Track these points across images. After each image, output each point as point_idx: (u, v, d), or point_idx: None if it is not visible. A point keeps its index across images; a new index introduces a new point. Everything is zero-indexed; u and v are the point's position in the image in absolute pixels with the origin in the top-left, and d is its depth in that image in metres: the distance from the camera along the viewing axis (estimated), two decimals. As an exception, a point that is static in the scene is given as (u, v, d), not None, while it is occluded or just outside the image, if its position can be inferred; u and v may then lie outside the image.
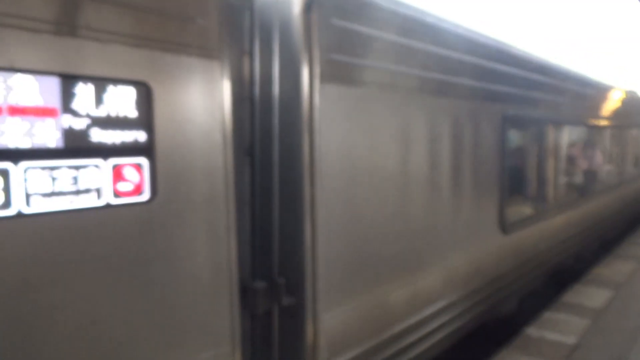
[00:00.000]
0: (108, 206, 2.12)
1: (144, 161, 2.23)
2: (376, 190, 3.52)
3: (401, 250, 3.80)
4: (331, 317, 3.18)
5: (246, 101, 2.94)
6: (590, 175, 8.57)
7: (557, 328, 5.31)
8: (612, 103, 9.73)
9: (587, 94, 8.48)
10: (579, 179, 8.23)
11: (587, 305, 6.07)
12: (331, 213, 3.14)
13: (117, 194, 2.15)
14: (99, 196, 2.09)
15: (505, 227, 5.31)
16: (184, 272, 2.40)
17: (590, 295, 6.48)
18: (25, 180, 1.88)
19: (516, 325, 6.02)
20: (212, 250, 2.53)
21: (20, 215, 1.86)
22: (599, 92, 9.13)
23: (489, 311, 5.19)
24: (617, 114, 10.14)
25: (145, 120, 2.23)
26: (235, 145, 2.70)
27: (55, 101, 1.96)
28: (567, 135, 7.76)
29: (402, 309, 3.85)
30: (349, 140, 3.28)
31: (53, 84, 1.95)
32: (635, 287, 6.78)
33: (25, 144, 1.88)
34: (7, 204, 1.83)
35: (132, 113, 2.19)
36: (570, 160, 7.78)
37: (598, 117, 9.11)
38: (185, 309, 2.42)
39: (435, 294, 4.23)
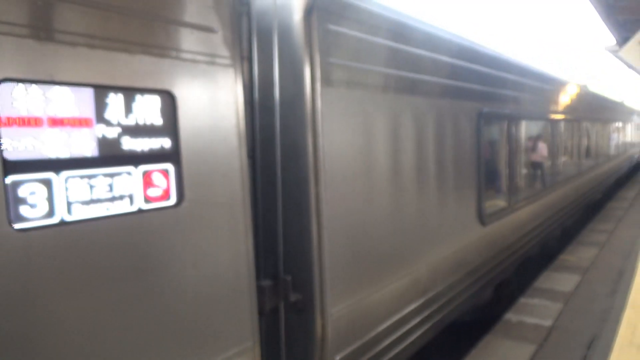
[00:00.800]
0: (140, 211, 2.19)
1: (170, 167, 2.31)
2: (373, 187, 3.69)
3: (398, 244, 3.99)
4: (337, 311, 3.33)
5: (247, 105, 3.03)
6: (554, 167, 9.06)
7: (534, 312, 5.66)
8: (571, 98, 10.30)
9: (552, 90, 8.96)
10: (544, 170, 8.69)
11: (558, 289, 6.48)
12: (334, 210, 3.27)
13: (147, 199, 2.22)
14: (131, 202, 2.16)
15: (483, 219, 5.60)
16: (210, 272, 2.49)
17: (559, 280, 6.90)
18: (67, 189, 1.93)
19: (491, 311, 6.37)
20: (233, 250, 2.63)
21: (63, 223, 1.92)
22: (561, 88, 9.64)
23: (471, 298, 5.47)
24: (575, 109, 10.74)
25: (171, 127, 2.31)
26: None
27: (89, 111, 2.02)
28: (535, 130, 8.20)
29: (399, 300, 4.04)
30: (347, 140, 3.42)
31: (87, 95, 2.01)
32: (598, 272, 7.25)
33: (64, 153, 1.93)
34: (51, 212, 1.89)
35: (159, 121, 2.26)
36: (537, 153, 8.20)
37: (560, 112, 9.62)
38: (213, 307, 2.51)
39: (426, 284, 4.44)
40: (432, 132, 4.48)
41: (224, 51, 2.57)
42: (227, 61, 2.59)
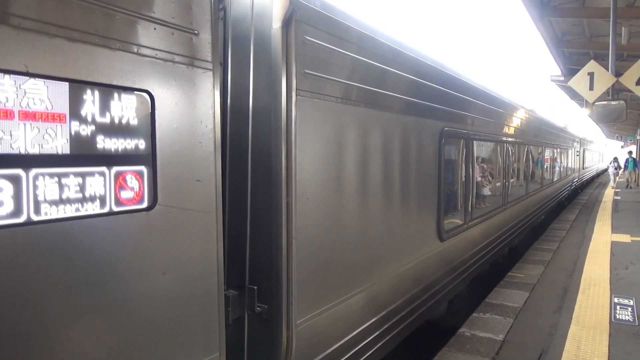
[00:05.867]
0: (110, 213, 2.09)
1: (144, 169, 2.23)
2: (342, 198, 3.70)
3: (364, 255, 4.01)
4: (303, 323, 3.29)
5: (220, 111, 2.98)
6: (504, 187, 9.42)
7: (486, 327, 5.82)
8: (524, 123, 10.79)
9: (507, 113, 9.35)
10: (495, 190, 9.02)
11: (508, 305, 6.70)
12: (303, 221, 3.26)
13: (119, 202, 2.13)
14: (102, 204, 2.06)
15: (442, 235, 5.73)
16: (180, 280, 2.41)
17: (509, 296, 7.14)
18: (36, 187, 1.82)
19: (443, 325, 6.51)
20: (204, 258, 2.55)
21: (29, 222, 1.80)
22: (515, 111, 10.09)
23: (428, 311, 5.56)
24: (524, 132, 11.26)
25: (147, 128, 2.23)
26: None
27: (64, 107, 1.92)
28: (489, 151, 8.53)
29: (362, 312, 4.05)
30: (319, 151, 3.43)
31: (62, 90, 1.91)
32: (544, 288, 7.57)
33: (35, 149, 1.83)
34: (17, 211, 1.77)
35: (135, 121, 2.19)
36: (491, 173, 8.52)
37: (513, 134, 10.05)
38: (181, 317, 2.42)
39: (388, 297, 4.49)
40: (399, 147, 4.57)
41: (203, 54, 2.53)
42: (206, 65, 2.55)
